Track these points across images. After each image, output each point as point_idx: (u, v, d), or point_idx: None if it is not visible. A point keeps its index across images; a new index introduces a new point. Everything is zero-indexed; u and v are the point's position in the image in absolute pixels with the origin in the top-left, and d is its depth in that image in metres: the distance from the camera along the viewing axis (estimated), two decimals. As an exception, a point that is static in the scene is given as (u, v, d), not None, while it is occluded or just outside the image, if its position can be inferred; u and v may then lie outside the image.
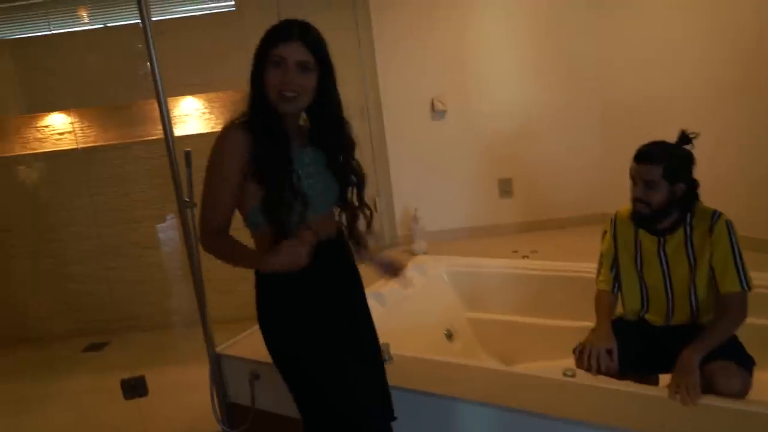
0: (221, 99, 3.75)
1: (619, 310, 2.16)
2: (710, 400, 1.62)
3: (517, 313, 2.89)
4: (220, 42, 3.46)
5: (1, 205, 3.79)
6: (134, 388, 2.37)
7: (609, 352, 1.94)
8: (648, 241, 1.99)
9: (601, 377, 1.92)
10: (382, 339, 2.07)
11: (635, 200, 1.93)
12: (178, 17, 3.65)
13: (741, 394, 1.69)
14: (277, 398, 2.14)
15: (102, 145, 3.71)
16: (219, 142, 1.43)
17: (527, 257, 3.08)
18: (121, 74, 3.57)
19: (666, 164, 1.85)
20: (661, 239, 1.95)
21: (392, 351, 2.08)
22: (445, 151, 3.58)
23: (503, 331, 2.86)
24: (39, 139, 3.82)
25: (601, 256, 2.16)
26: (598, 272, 2.18)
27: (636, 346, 2.00)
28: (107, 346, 3.59)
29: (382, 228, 3.62)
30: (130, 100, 3.69)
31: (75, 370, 3.31)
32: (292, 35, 1.41)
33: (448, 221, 3.60)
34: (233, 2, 3.53)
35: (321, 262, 1.50)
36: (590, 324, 2.74)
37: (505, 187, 3.61)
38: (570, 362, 2.50)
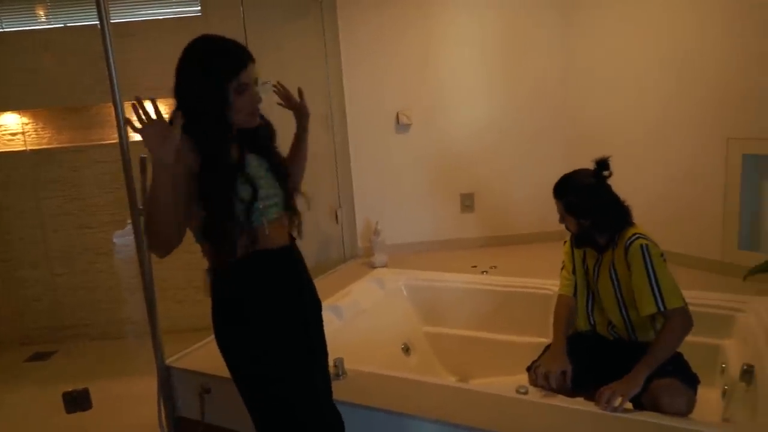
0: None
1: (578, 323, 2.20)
2: (658, 419, 1.65)
3: (475, 329, 2.89)
4: (184, 47, 3.40)
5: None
6: (77, 402, 2.28)
7: (563, 373, 1.96)
8: (590, 256, 2.10)
9: (553, 393, 1.94)
10: (339, 353, 2.06)
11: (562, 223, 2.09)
12: (143, 20, 3.58)
13: (686, 412, 1.73)
14: (227, 412, 2.09)
15: (55, 148, 3.60)
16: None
17: (486, 272, 3.10)
18: (81, 76, 3.48)
19: (565, 201, 2.00)
20: (599, 256, 2.05)
21: (348, 365, 2.05)
22: (408, 164, 3.58)
23: (460, 346, 2.86)
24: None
25: (563, 261, 2.23)
26: (561, 275, 2.25)
27: (587, 362, 2.03)
28: (54, 355, 3.46)
29: (343, 240, 3.60)
30: (89, 102, 3.60)
31: (17, 381, 3.16)
32: (248, 59, 1.46)
33: (409, 235, 3.60)
34: (199, 7, 3.48)
35: (277, 271, 1.48)
36: (546, 340, 2.77)
37: (467, 202, 3.63)
38: (524, 378, 2.52)
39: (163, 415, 2.17)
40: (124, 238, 3.61)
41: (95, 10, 3.84)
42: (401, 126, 3.54)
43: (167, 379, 2.19)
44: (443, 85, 3.51)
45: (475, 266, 3.20)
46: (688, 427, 1.59)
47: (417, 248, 3.60)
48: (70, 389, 2.33)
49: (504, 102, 3.53)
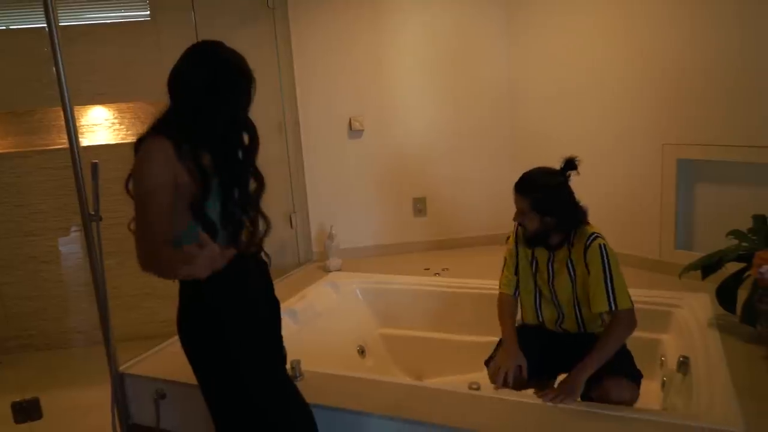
0: (132, 110, 3.63)
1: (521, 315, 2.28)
2: (603, 409, 1.75)
3: (428, 329, 2.96)
4: (133, 51, 3.36)
5: None
6: (26, 411, 2.22)
7: (519, 367, 2.04)
8: (541, 253, 2.11)
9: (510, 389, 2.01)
10: (296, 356, 2.08)
11: (518, 223, 2.09)
12: (89, 24, 3.52)
13: (630, 404, 1.85)
14: (183, 417, 2.09)
15: (3, 153, 3.49)
16: (153, 149, 1.39)
17: (438, 274, 3.17)
18: (23, 79, 3.39)
19: (533, 198, 1.98)
20: (551, 254, 2.07)
21: (304, 368, 2.08)
22: (361, 169, 3.63)
23: (414, 346, 2.93)
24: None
25: (505, 259, 2.26)
26: (502, 274, 2.28)
27: (537, 353, 2.11)
28: (-1, 366, 3.36)
29: (298, 244, 3.62)
30: (31, 106, 3.50)
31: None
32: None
33: (362, 239, 3.65)
34: (147, 12, 3.45)
35: (251, 272, 1.53)
36: (496, 339, 2.87)
37: (420, 206, 3.71)
38: (476, 376, 2.60)
39: (117, 423, 2.14)
40: (69, 246, 3.52)
41: (38, 12, 3.76)
42: (354, 132, 3.59)
43: (121, 386, 2.17)
44: (394, 91, 3.58)
45: (427, 269, 3.27)
46: (629, 415, 1.70)
47: (371, 252, 3.65)
48: (18, 399, 2.26)
49: (452, 108, 3.63)
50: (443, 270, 3.23)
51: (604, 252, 1.94)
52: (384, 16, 3.50)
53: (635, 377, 1.95)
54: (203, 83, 1.42)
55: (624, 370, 1.93)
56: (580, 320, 2.08)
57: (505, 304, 2.24)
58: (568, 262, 2.03)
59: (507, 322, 2.21)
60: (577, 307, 2.07)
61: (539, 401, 1.82)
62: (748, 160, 2.61)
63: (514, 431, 1.65)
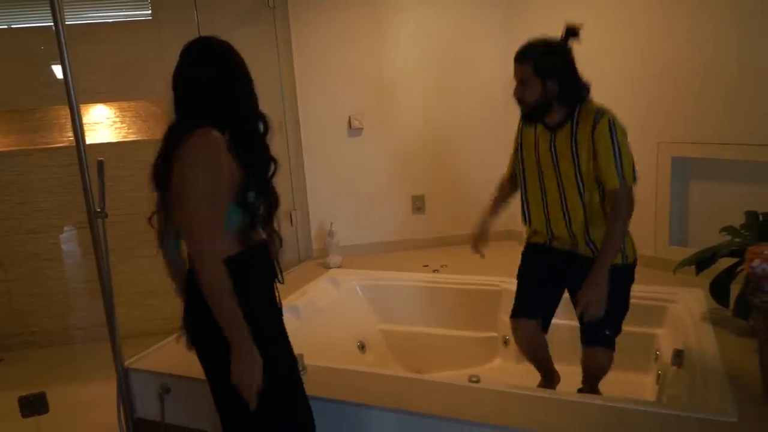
0: (133, 108, 3.66)
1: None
2: (602, 401, 1.79)
3: (427, 325, 3.01)
4: (135, 50, 3.38)
5: None
6: (33, 405, 2.25)
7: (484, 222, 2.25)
8: (543, 136, 2.05)
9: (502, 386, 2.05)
10: (297, 350, 2.11)
11: (517, 101, 2.01)
12: (91, 23, 3.54)
13: (605, 371, 2.05)
14: (188, 411, 2.12)
15: (5, 151, 3.51)
16: (207, 146, 1.36)
17: (437, 271, 3.21)
18: (24, 78, 3.41)
19: (535, 61, 1.92)
20: (552, 134, 2.01)
21: (306, 362, 2.12)
22: (361, 167, 3.67)
23: (414, 342, 2.97)
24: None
25: (514, 143, 2.24)
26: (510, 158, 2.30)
27: (540, 275, 2.19)
28: (1, 362, 3.37)
29: (298, 242, 3.65)
30: (32, 105, 3.53)
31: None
32: None
33: (362, 236, 3.68)
34: (149, 11, 3.47)
35: (264, 264, 1.55)
36: (494, 334, 2.92)
37: (418, 204, 3.75)
38: (475, 370, 2.65)
39: (122, 417, 2.18)
40: (68, 244, 3.54)
41: (37, 11, 3.78)
42: (354, 130, 3.63)
43: (126, 381, 2.20)
44: (394, 89, 3.62)
45: (426, 265, 3.31)
46: (625, 406, 1.74)
47: (370, 249, 3.68)
48: (25, 394, 2.29)
49: (451, 106, 3.66)
50: (442, 266, 3.27)
51: (612, 129, 1.89)
52: (384, 16, 3.54)
53: (610, 341, 2.04)
54: (209, 79, 1.45)
55: (599, 338, 2.03)
56: (584, 211, 2.00)
57: (501, 180, 2.32)
58: (572, 141, 1.96)
59: (493, 193, 2.31)
60: (581, 193, 1.98)
61: (537, 392, 1.87)
62: (741, 157, 2.66)
63: (512, 421, 1.69)
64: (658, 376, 2.34)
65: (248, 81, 1.52)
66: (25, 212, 3.50)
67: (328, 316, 2.89)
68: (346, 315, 2.99)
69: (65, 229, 3.54)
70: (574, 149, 1.96)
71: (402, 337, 3.00)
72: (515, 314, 2.24)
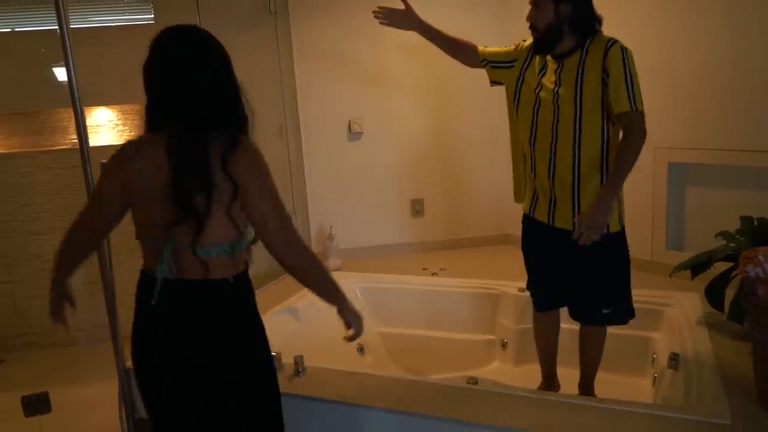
0: (136, 111, 3.68)
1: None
2: (598, 403, 1.82)
3: (426, 328, 3.03)
4: (137, 54, 3.40)
5: None
6: (36, 405, 2.27)
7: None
8: (550, 67, 2.01)
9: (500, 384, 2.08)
10: (297, 352, 2.14)
11: (529, 27, 1.99)
12: (95, 27, 3.57)
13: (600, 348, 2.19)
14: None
15: (5, 153, 3.54)
16: (260, 153, 1.42)
17: (436, 274, 3.24)
18: (27, 81, 3.44)
19: None
20: (560, 63, 1.98)
21: (306, 363, 2.14)
22: (360, 171, 3.70)
23: (413, 344, 2.99)
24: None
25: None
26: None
27: (541, 261, 2.21)
28: (3, 363, 3.39)
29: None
30: (36, 107, 3.55)
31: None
32: None
33: (361, 239, 3.71)
34: (152, 15, 3.50)
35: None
36: (493, 337, 2.94)
37: (417, 207, 3.78)
38: (473, 373, 2.67)
39: (124, 417, 2.20)
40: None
41: (42, 14, 3.80)
42: (353, 134, 3.66)
43: (127, 381, 2.22)
44: (393, 93, 3.65)
45: (425, 269, 3.33)
46: (622, 408, 1.76)
47: (369, 252, 3.71)
48: (27, 394, 2.31)
49: (450, 110, 3.69)
50: (440, 270, 3.29)
51: (625, 55, 1.88)
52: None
53: (609, 317, 2.11)
54: (223, 78, 1.42)
55: (595, 315, 2.11)
56: (577, 147, 1.96)
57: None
58: (580, 68, 1.93)
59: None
60: (577, 123, 1.94)
61: (535, 394, 1.89)
62: (737, 163, 2.69)
63: (510, 421, 1.72)
64: (654, 379, 2.36)
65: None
66: (28, 214, 3.52)
67: (327, 317, 2.86)
68: (346, 317, 3.01)
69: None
70: (580, 76, 1.93)
71: (401, 339, 3.02)
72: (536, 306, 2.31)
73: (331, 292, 1.54)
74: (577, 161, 1.97)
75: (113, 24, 3.59)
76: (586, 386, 2.23)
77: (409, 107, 3.67)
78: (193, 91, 1.35)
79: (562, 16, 1.91)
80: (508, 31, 3.59)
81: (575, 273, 2.09)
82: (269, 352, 1.56)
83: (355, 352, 2.91)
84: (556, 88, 1.98)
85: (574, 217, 1.98)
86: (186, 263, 1.36)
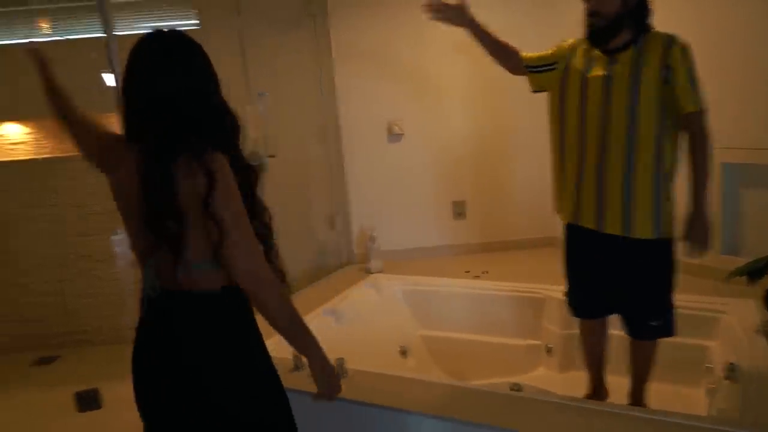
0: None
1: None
2: (643, 413, 1.75)
3: (469, 331, 2.99)
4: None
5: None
6: (88, 401, 2.34)
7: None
8: (599, 63, 1.93)
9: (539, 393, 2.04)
10: (338, 354, 2.13)
11: (589, 15, 1.90)
12: (139, 33, 3.65)
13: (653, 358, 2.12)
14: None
15: (56, 157, 3.66)
16: (222, 164, 1.23)
17: (479, 277, 3.19)
18: (83, 87, 3.53)
19: None
20: (612, 58, 1.90)
21: (347, 366, 2.13)
22: (401, 173, 3.68)
23: (455, 348, 2.95)
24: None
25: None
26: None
27: (588, 269, 2.11)
28: (58, 360, 3.51)
29: (339, 246, 3.69)
30: (93, 113, 3.66)
31: (26, 384, 3.22)
32: None
33: (403, 241, 3.69)
34: (198, 21, 3.56)
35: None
36: (537, 342, 2.88)
37: (459, 209, 3.73)
38: (517, 379, 2.62)
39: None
40: (121, 246, 3.65)
41: (94, 23, 3.89)
42: (394, 136, 3.64)
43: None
44: (435, 95, 3.62)
45: (468, 271, 3.29)
46: (674, 420, 1.69)
47: (411, 254, 3.68)
48: (80, 390, 2.38)
49: (495, 111, 3.63)
50: (483, 273, 3.24)
51: (689, 53, 1.83)
52: (424, 21, 3.52)
53: (663, 329, 2.04)
54: (197, 88, 1.30)
55: (644, 328, 2.04)
56: (631, 132, 1.87)
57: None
58: (635, 65, 1.85)
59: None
60: (631, 113, 1.86)
61: (582, 403, 1.84)
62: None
63: (556, 432, 1.67)
64: (709, 389, 2.27)
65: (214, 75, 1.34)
66: (78, 215, 3.63)
67: (368, 320, 2.90)
68: (387, 320, 3.00)
69: (117, 231, 3.65)
70: (635, 73, 1.85)
71: (443, 342, 2.99)
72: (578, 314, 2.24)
73: (298, 337, 1.33)
74: (629, 163, 1.89)
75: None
76: (637, 396, 2.16)
77: (450, 108, 3.63)
78: (156, 99, 1.25)
79: (628, 4, 1.84)
80: (547, 33, 3.50)
81: (625, 282, 2.02)
82: (266, 371, 1.39)
83: (397, 356, 2.89)
84: (607, 86, 1.89)
85: (625, 221, 1.91)
86: (169, 275, 1.28)
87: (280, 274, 1.37)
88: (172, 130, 1.24)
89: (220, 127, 1.30)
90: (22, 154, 3.71)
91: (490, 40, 2.22)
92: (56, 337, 3.65)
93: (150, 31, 1.32)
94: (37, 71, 1.61)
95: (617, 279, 2.04)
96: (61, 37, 3.72)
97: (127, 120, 1.31)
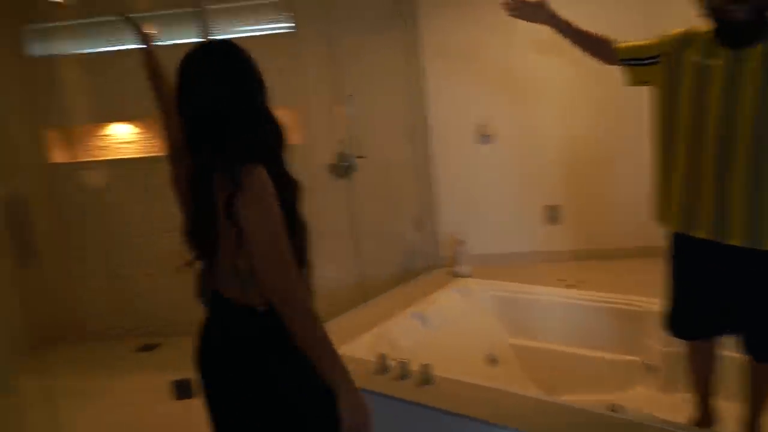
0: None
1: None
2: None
3: (562, 343, 2.85)
4: (276, 61, 3.55)
5: (65, 208, 3.99)
6: (184, 390, 2.44)
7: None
8: (721, 57, 1.73)
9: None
10: (423, 360, 2.09)
11: (726, 2, 1.64)
12: (239, 37, 3.77)
13: None
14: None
15: (152, 156, 3.86)
16: (258, 176, 1.21)
17: (574, 286, 3.04)
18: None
19: None
20: (737, 54, 1.69)
21: (433, 372, 2.08)
22: (492, 175, 3.58)
23: (547, 360, 2.83)
24: (100, 147, 4.01)
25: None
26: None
27: (699, 282, 1.91)
28: (159, 347, 3.71)
29: (425, 249, 3.64)
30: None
31: (129, 369, 3.44)
32: None
33: (492, 245, 3.58)
34: (293, 24, 3.63)
35: None
36: (636, 358, 2.71)
37: (554, 214, 3.58)
38: (614, 397, 2.47)
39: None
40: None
41: (193, 28, 4.09)
42: (485, 137, 3.55)
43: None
44: (527, 95, 3.48)
45: (562, 280, 3.14)
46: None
47: (499, 259, 3.57)
48: (177, 378, 2.48)
49: (593, 111, 3.44)
50: (579, 282, 3.08)
51: None
52: (516, 20, 3.40)
53: None
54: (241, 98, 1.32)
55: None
56: (760, 137, 1.67)
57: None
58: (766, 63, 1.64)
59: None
60: (760, 119, 1.66)
61: (690, 430, 1.69)
62: None
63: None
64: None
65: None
66: (172, 213, 3.81)
67: (456, 326, 2.84)
68: (476, 326, 2.93)
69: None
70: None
71: (534, 353, 2.87)
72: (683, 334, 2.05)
73: (326, 363, 1.24)
74: (758, 168, 1.70)
75: (254, 34, 3.76)
76: (754, 425, 1.96)
77: (544, 109, 3.48)
78: (199, 110, 1.27)
79: None
80: (651, 25, 3.29)
81: (747, 298, 1.82)
82: (309, 401, 1.31)
83: (484, 363, 2.81)
84: (733, 84, 1.70)
85: (753, 231, 1.72)
86: (215, 283, 1.35)
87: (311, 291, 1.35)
88: (215, 142, 1.25)
89: (262, 137, 1.28)
90: (130, 152, 3.94)
91: (576, 33, 2.10)
92: (159, 326, 3.85)
93: (198, 42, 1.35)
94: (144, 58, 1.69)
95: (736, 294, 1.84)
96: (163, 42, 3.92)
97: (182, 129, 1.34)
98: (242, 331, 1.32)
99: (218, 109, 1.26)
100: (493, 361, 2.82)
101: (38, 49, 3.87)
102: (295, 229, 1.30)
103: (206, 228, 1.27)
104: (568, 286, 3.04)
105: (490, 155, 3.56)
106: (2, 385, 2.60)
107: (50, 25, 3.82)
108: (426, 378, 2.05)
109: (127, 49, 3.87)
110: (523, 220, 3.60)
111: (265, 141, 1.29)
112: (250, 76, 1.32)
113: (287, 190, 1.29)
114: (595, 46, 2.08)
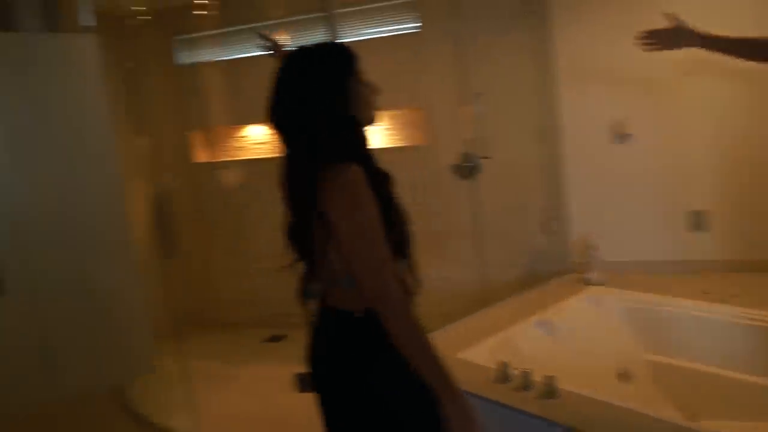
0: (399, 116, 3.85)
1: None
2: None
3: (706, 362, 2.58)
4: (403, 60, 3.56)
5: (206, 204, 4.30)
6: (307, 383, 2.50)
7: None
8: None
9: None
10: (549, 371, 1.98)
11: None
12: (367, 39, 3.83)
13: None
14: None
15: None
16: (351, 175, 1.22)
17: (724, 301, 2.73)
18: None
19: None
20: None
21: (558, 385, 1.96)
22: (629, 177, 3.33)
23: (689, 380, 2.57)
24: (237, 148, 4.27)
25: None
26: None
27: None
28: (286, 339, 3.88)
29: (555, 253, 3.47)
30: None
31: (255, 359, 3.63)
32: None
33: (626, 252, 3.33)
34: (420, 24, 3.62)
35: None
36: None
37: (699, 220, 3.25)
38: (763, 425, 2.19)
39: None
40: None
41: (323, 32, 4.22)
42: (621, 137, 3.31)
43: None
44: (668, 92, 3.18)
45: (707, 293, 2.84)
46: None
47: (634, 267, 3.30)
48: (300, 371, 2.56)
49: (755, 108, 3.06)
50: (730, 296, 2.77)
51: None
52: (658, 9, 3.13)
53: None
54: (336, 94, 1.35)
55: None
56: None
57: None
58: None
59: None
60: None
61: None
62: None
63: None
64: None
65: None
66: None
67: (585, 337, 2.67)
68: (607, 339, 2.73)
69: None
70: None
71: (674, 372, 2.62)
72: None
73: (425, 367, 1.20)
74: None
75: (382, 35, 3.80)
76: None
77: (687, 107, 3.16)
78: (286, 114, 1.34)
79: None
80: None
81: None
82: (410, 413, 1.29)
83: (615, 379, 2.61)
84: None
85: None
86: (317, 285, 1.37)
87: (414, 287, 1.34)
88: (308, 143, 1.28)
89: (352, 137, 1.31)
90: (264, 152, 4.15)
91: (738, 46, 1.89)
92: (286, 318, 4.02)
93: (296, 47, 1.40)
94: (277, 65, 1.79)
95: None
96: (296, 47, 4.08)
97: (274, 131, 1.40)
98: (341, 337, 1.35)
99: (304, 111, 1.30)
100: (625, 377, 2.61)
101: (185, 57, 4.20)
102: (394, 222, 1.30)
103: (304, 229, 1.30)
104: (716, 301, 2.74)
105: (626, 155, 3.33)
106: (145, 365, 2.84)
107: (195, 35, 4.13)
108: (550, 390, 1.93)
109: (261, 56, 4.12)
110: (663, 226, 3.32)
111: (356, 140, 1.32)
112: (336, 78, 1.33)
113: (382, 185, 1.30)
114: (763, 52, 1.87)
